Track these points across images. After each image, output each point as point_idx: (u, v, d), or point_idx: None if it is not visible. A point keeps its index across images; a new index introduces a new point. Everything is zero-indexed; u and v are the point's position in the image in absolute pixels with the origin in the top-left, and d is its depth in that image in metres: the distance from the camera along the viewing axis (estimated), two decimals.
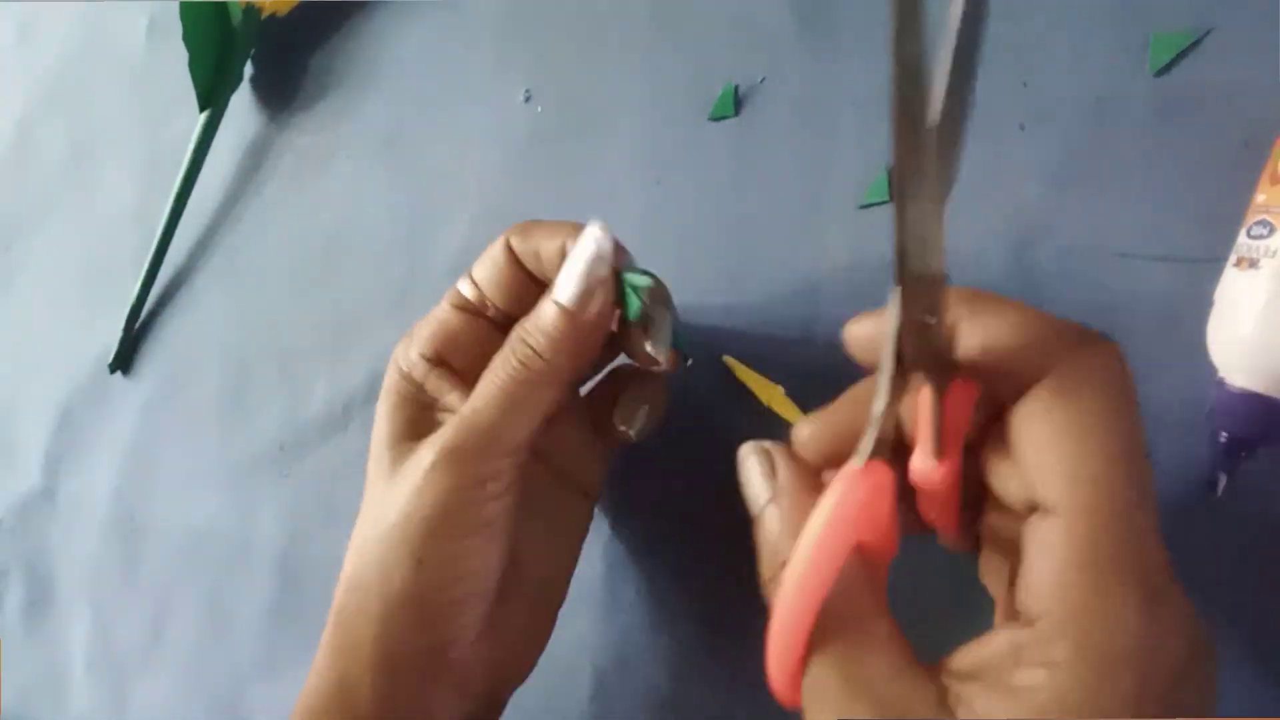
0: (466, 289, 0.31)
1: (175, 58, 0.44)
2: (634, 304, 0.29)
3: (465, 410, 0.28)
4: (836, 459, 0.23)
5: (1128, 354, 0.30)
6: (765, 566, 0.24)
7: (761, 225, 0.35)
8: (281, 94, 0.46)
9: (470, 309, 0.31)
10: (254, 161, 0.46)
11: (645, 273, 0.29)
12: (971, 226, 0.32)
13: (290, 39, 0.46)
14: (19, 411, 0.52)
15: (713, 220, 0.36)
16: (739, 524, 0.34)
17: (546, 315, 0.28)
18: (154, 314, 0.48)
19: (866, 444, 0.21)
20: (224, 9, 0.44)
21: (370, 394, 0.42)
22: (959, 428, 0.22)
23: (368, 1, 0.44)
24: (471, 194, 0.40)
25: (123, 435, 0.48)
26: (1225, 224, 0.28)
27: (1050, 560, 0.19)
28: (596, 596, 0.36)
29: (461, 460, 0.27)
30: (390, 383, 0.31)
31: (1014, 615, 0.20)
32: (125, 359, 0.49)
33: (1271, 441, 0.26)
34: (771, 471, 0.25)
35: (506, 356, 0.28)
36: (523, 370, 0.28)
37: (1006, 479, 0.22)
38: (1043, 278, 0.31)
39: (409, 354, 0.31)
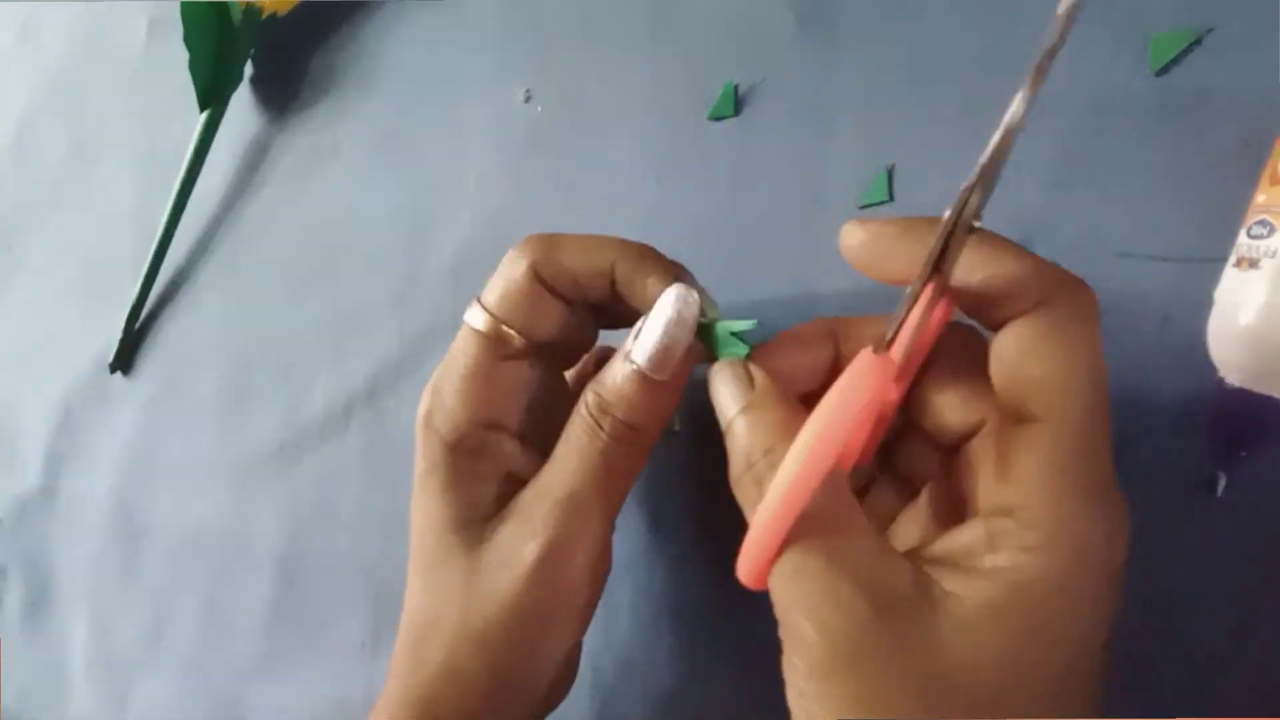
0: (480, 321, 0.28)
1: (175, 58, 0.44)
2: (733, 349, 0.27)
3: (560, 493, 0.26)
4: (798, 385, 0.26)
5: (1128, 354, 0.30)
6: (735, 465, 0.24)
7: (761, 225, 0.35)
8: (281, 94, 0.46)
9: (496, 351, 0.28)
10: (254, 161, 0.46)
11: (716, 315, 0.27)
12: None
13: (290, 39, 0.46)
14: (19, 411, 0.52)
15: (713, 220, 0.36)
16: (739, 523, 0.34)
17: (626, 382, 0.26)
18: (154, 314, 0.48)
19: (889, 332, 0.22)
20: (224, 9, 0.44)
21: (370, 394, 0.42)
22: (923, 348, 0.24)
23: (368, 1, 0.44)
24: (471, 194, 0.40)
25: (123, 435, 0.48)
26: (1225, 224, 0.28)
27: (1034, 460, 0.21)
28: None
29: (571, 549, 0.26)
30: (434, 457, 0.28)
31: (938, 525, 0.23)
32: (125, 359, 0.49)
33: (1271, 441, 0.26)
34: (747, 382, 0.25)
35: (593, 429, 0.26)
36: (614, 444, 0.26)
37: (946, 409, 0.24)
38: None
39: (450, 419, 0.28)
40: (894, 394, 0.24)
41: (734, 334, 0.27)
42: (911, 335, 0.22)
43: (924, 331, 0.23)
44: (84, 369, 0.50)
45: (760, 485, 0.23)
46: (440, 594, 0.27)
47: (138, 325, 0.48)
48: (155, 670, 0.46)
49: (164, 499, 0.47)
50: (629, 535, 0.36)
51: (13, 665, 0.50)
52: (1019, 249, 0.23)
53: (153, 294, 0.48)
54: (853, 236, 0.24)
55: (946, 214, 0.21)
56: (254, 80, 0.47)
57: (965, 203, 0.21)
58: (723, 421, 0.25)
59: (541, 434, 0.29)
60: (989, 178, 0.21)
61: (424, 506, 0.28)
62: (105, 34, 0.52)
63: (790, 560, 0.22)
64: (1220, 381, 0.27)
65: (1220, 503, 0.28)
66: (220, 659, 0.44)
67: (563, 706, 0.36)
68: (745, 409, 0.24)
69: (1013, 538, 0.21)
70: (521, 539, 0.26)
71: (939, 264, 0.21)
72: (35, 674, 0.49)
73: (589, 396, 0.26)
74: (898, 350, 0.22)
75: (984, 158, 0.20)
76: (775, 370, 0.25)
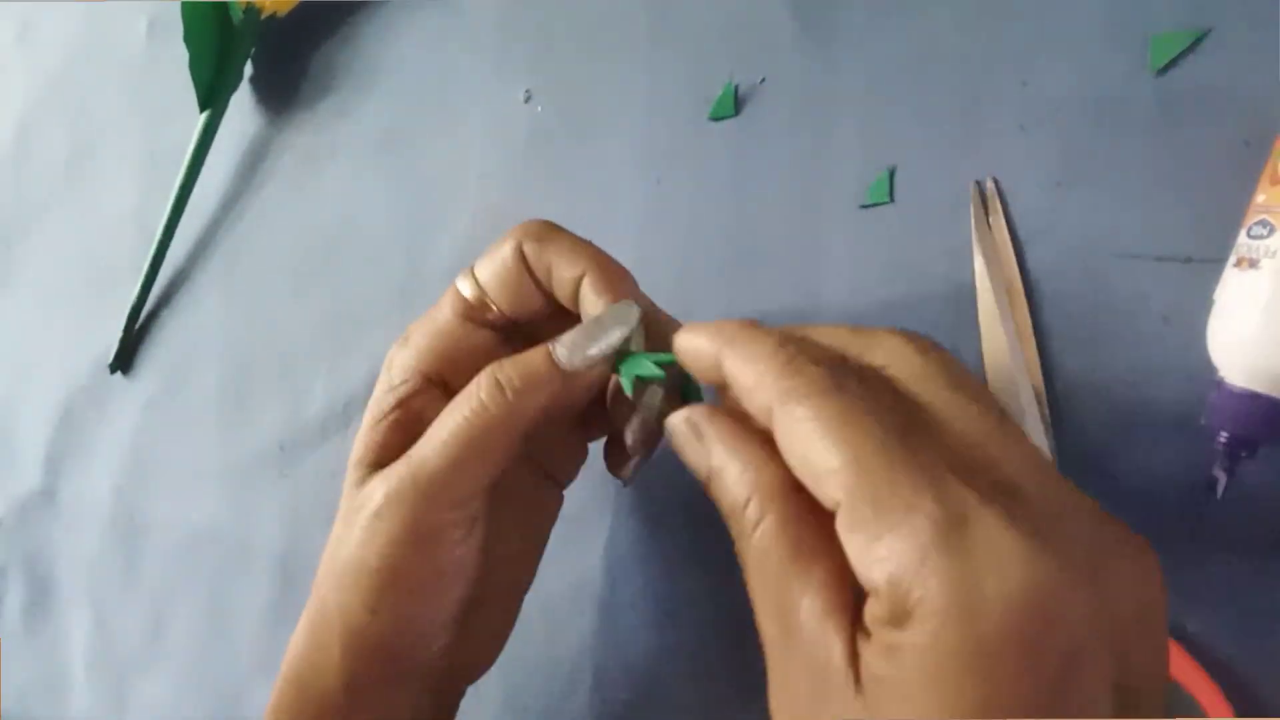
0: (468, 289, 0.29)
1: (175, 58, 0.44)
2: (644, 368, 0.26)
3: (415, 455, 0.26)
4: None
5: (1128, 354, 0.30)
6: (732, 524, 0.23)
7: (761, 225, 0.35)
8: (281, 94, 0.46)
9: (473, 315, 0.29)
10: (254, 161, 0.46)
11: (659, 360, 0.26)
12: (971, 226, 0.32)
13: (290, 39, 0.46)
14: (19, 411, 0.52)
15: (713, 220, 0.36)
16: None
17: (534, 365, 0.26)
18: (154, 314, 0.48)
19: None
20: (224, 9, 0.44)
21: (370, 394, 0.42)
22: None
23: (368, 1, 0.44)
24: (471, 194, 0.40)
25: (123, 435, 0.48)
26: (1225, 224, 0.28)
27: (853, 554, 0.19)
28: (596, 596, 0.36)
29: (407, 511, 0.26)
30: (377, 393, 0.29)
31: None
32: (125, 359, 0.49)
33: (1271, 441, 0.26)
34: (698, 435, 0.23)
35: (470, 394, 0.26)
36: (482, 414, 0.26)
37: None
38: (1043, 278, 0.31)
39: (405, 364, 0.29)
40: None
41: (642, 378, 0.26)
42: None
43: None
44: (84, 369, 0.50)
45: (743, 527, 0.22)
46: (335, 526, 0.28)
47: (138, 325, 0.48)
48: (155, 670, 0.46)
49: (164, 499, 0.47)
50: (629, 536, 0.36)
51: (13, 665, 0.50)
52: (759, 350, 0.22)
53: (153, 294, 0.48)
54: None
55: None
56: (254, 80, 0.47)
57: None
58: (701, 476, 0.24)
59: None
60: None
61: (356, 437, 0.29)
62: (105, 34, 0.52)
63: (761, 625, 0.22)
64: (1220, 381, 0.27)
65: (1220, 503, 0.28)
66: (220, 659, 0.44)
67: (563, 706, 0.36)
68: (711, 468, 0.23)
69: (878, 618, 0.19)
70: (373, 493, 0.26)
71: None
72: (35, 674, 0.49)
73: (486, 371, 0.26)
74: None
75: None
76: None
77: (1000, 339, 0.30)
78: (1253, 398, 0.26)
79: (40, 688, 0.49)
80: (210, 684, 0.44)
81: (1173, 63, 0.30)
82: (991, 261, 0.31)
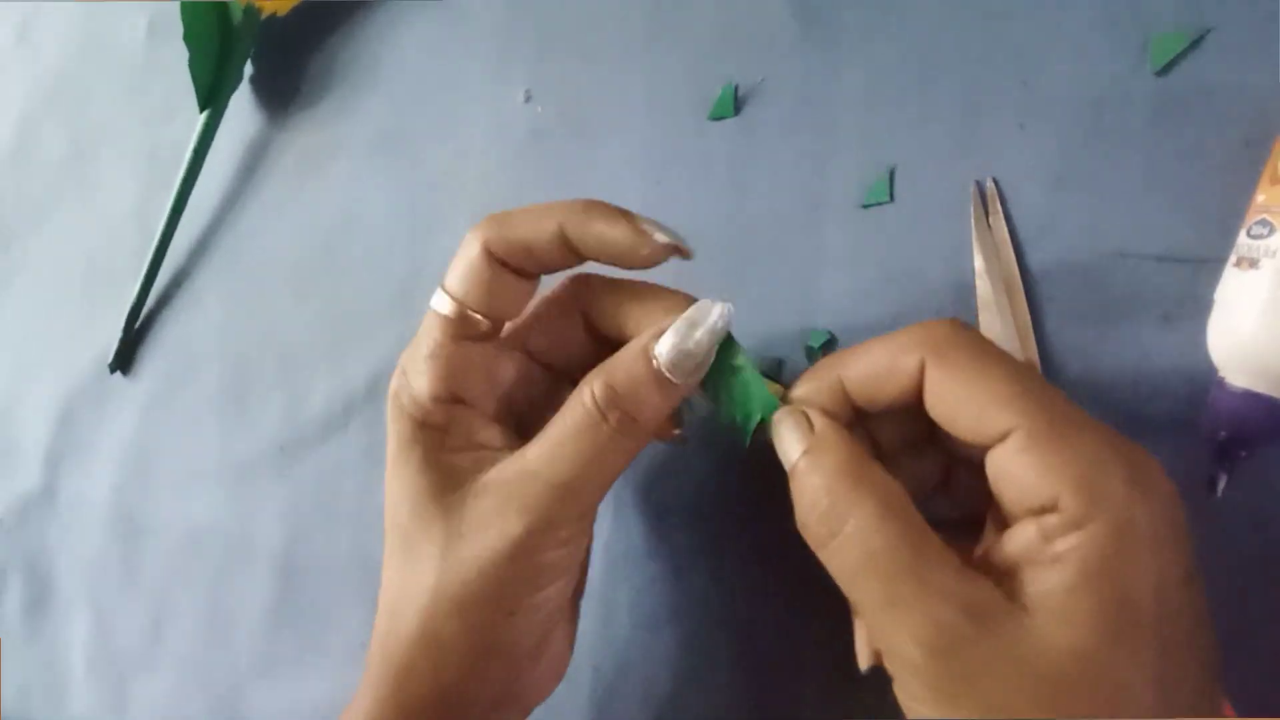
0: (445, 307, 0.28)
1: (175, 58, 0.44)
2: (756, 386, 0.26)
3: (551, 475, 0.26)
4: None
5: (1128, 354, 0.30)
6: (800, 508, 0.25)
7: (761, 225, 0.35)
8: (281, 94, 0.46)
9: (461, 334, 0.28)
10: (254, 161, 0.46)
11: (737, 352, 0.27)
12: (972, 226, 0.32)
13: (290, 39, 0.46)
14: (19, 411, 0.52)
15: (713, 220, 0.36)
16: (739, 524, 0.34)
17: (644, 378, 0.26)
18: (154, 314, 0.48)
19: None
20: (224, 9, 0.44)
21: (370, 394, 0.42)
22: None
23: (368, 1, 0.44)
24: (471, 194, 0.40)
25: (123, 435, 0.48)
26: (1225, 224, 0.28)
27: (1030, 471, 0.22)
28: (596, 596, 0.36)
29: (556, 530, 0.26)
30: (406, 434, 0.28)
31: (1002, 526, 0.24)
32: (125, 359, 0.49)
33: (1271, 441, 0.26)
34: (807, 427, 0.25)
35: (597, 420, 0.26)
36: (616, 438, 0.26)
37: (969, 424, 0.24)
38: (1043, 278, 0.31)
39: (417, 398, 0.28)
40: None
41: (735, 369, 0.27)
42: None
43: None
44: (84, 369, 0.50)
45: (827, 526, 0.24)
46: (416, 563, 0.27)
47: (138, 325, 0.48)
48: (155, 670, 0.46)
49: (164, 499, 0.47)
50: (630, 535, 0.36)
51: (13, 665, 0.50)
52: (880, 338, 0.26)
53: (153, 294, 0.48)
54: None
55: None
56: (254, 80, 0.47)
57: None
58: (787, 465, 0.25)
59: (514, 412, 0.30)
60: None
61: (399, 480, 0.28)
62: (105, 34, 0.52)
63: (884, 593, 0.22)
64: (1220, 381, 0.27)
65: (1220, 503, 0.28)
66: (220, 659, 0.44)
67: (563, 706, 0.36)
68: (807, 452, 0.25)
69: (1063, 524, 0.21)
70: (505, 514, 0.26)
71: None
72: (35, 674, 0.49)
73: (596, 386, 0.26)
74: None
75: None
76: (856, 379, 0.26)
77: (1000, 338, 0.30)
78: (1253, 398, 0.26)
79: (40, 688, 0.49)
80: (210, 684, 0.44)
81: (1173, 63, 0.30)
82: (991, 261, 0.31)
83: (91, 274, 0.51)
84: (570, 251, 0.27)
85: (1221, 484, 0.27)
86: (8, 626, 0.51)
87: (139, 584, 0.47)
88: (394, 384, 0.29)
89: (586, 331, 0.30)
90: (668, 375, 0.26)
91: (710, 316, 0.26)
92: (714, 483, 0.35)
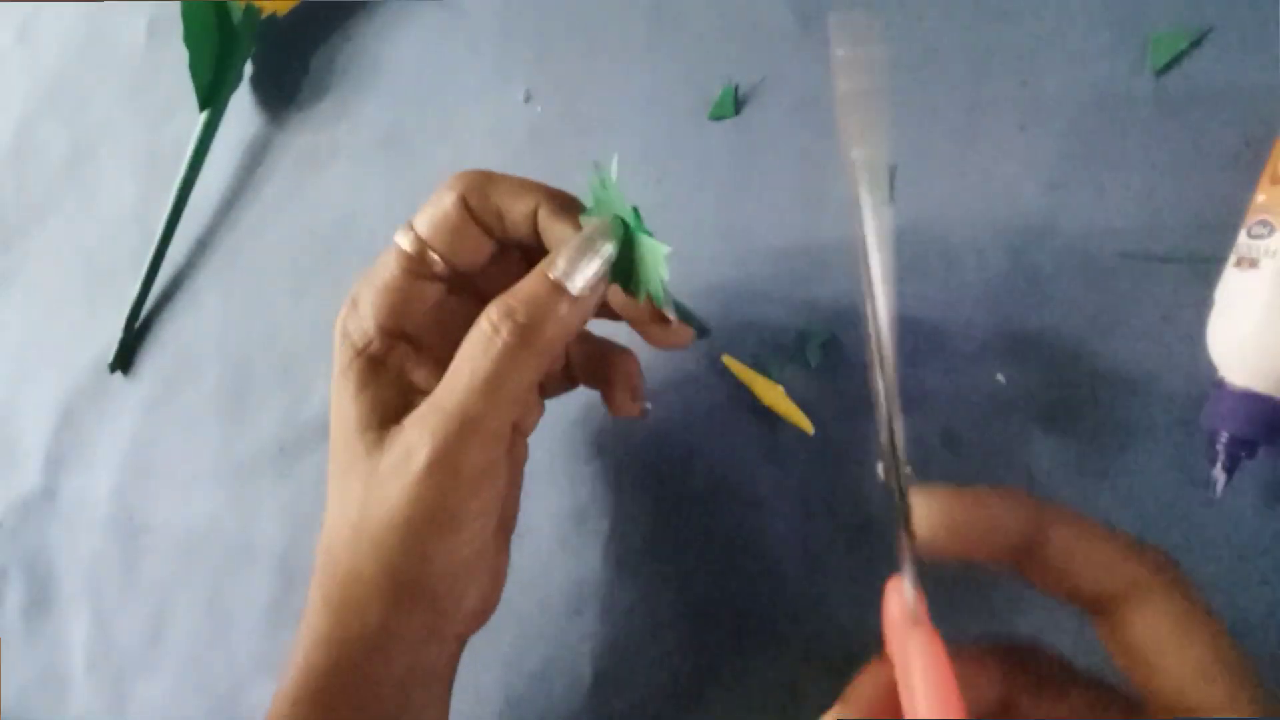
0: (407, 243, 0.29)
1: (175, 58, 0.44)
2: (654, 281, 0.27)
3: (449, 403, 0.26)
4: None
5: (1128, 354, 0.30)
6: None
7: (761, 225, 0.35)
8: (281, 94, 0.46)
9: (417, 270, 0.29)
10: (254, 161, 0.46)
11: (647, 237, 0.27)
12: (971, 226, 0.32)
13: (290, 39, 0.46)
14: (19, 411, 0.52)
15: (713, 220, 0.36)
16: (739, 525, 0.34)
17: (540, 294, 0.26)
18: (154, 314, 0.48)
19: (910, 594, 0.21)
20: (224, 9, 0.44)
21: None
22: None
23: (368, 1, 0.44)
24: None
25: (123, 435, 0.48)
26: (1225, 224, 0.28)
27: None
28: (597, 598, 0.36)
29: (457, 459, 0.26)
30: (345, 359, 0.29)
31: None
32: (125, 359, 0.49)
33: (1271, 441, 0.26)
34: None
35: (490, 336, 0.26)
36: (510, 351, 0.26)
37: (1085, 574, 0.21)
38: (1043, 278, 0.31)
39: (362, 325, 0.29)
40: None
41: (652, 257, 0.26)
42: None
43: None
44: (84, 369, 0.50)
45: None
46: (345, 497, 0.28)
47: (138, 325, 0.48)
48: (155, 670, 0.46)
49: (164, 499, 0.47)
50: (629, 537, 0.36)
51: (13, 665, 0.50)
52: (1106, 531, 0.21)
53: (153, 294, 0.48)
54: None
55: (880, 468, 0.22)
56: (254, 80, 0.47)
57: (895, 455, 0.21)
58: None
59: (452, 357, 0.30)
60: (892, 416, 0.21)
61: (336, 409, 0.29)
62: (105, 34, 0.52)
63: None
64: (1220, 381, 0.27)
65: (1220, 503, 0.28)
66: (220, 659, 0.44)
67: (563, 706, 0.36)
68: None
69: None
70: (412, 448, 0.26)
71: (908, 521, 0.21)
72: (35, 674, 0.49)
73: (492, 307, 0.27)
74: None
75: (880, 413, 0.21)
76: (959, 523, 0.21)
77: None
78: (1253, 398, 0.26)
79: (40, 688, 0.49)
80: (210, 684, 0.44)
81: (1173, 63, 0.30)
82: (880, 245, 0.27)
83: (91, 274, 0.51)
84: (535, 234, 0.28)
85: (1221, 484, 0.27)
86: (8, 626, 0.51)
87: (139, 584, 0.47)
88: (342, 312, 0.30)
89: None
90: (564, 284, 0.26)
91: (603, 251, 0.26)
92: (713, 483, 0.35)
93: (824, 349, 0.33)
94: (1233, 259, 0.27)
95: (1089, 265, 0.30)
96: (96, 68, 0.52)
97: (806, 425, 0.33)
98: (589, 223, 0.27)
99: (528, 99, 0.40)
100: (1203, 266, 0.28)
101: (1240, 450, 0.26)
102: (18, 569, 0.51)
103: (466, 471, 0.27)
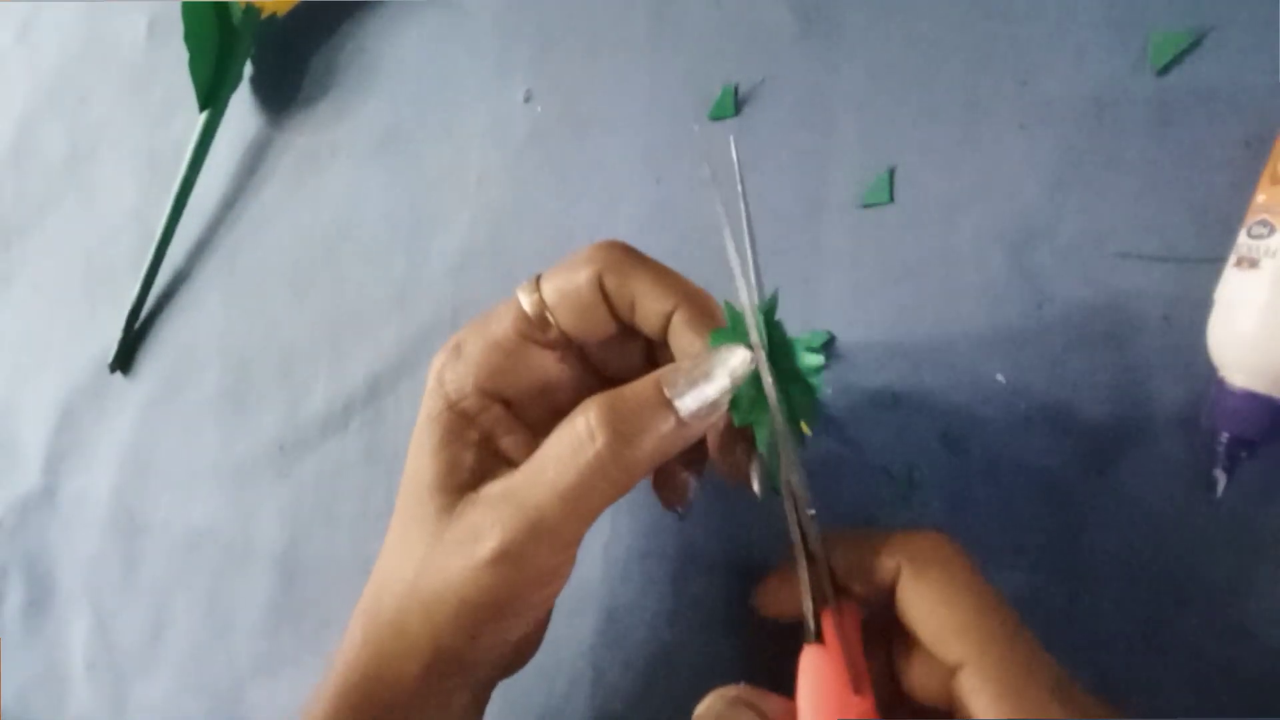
0: (529, 304, 0.27)
1: (175, 58, 0.44)
2: (761, 435, 0.25)
3: (527, 500, 0.25)
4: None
5: (1128, 354, 0.30)
6: None
7: (761, 225, 0.35)
8: (281, 94, 0.46)
9: (530, 334, 0.27)
10: (254, 161, 0.46)
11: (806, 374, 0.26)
12: (971, 226, 0.32)
13: (290, 39, 0.46)
14: (19, 411, 0.52)
15: (712, 220, 0.36)
16: (738, 526, 0.34)
17: (648, 406, 0.24)
18: (154, 314, 0.48)
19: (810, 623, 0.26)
20: (224, 9, 0.44)
21: (370, 394, 0.42)
22: (858, 646, 0.26)
23: (368, 1, 0.44)
24: (471, 194, 0.40)
25: (123, 435, 0.48)
26: (1225, 224, 0.28)
27: (985, 699, 0.23)
28: (596, 597, 0.36)
29: (522, 557, 0.25)
30: (435, 408, 0.27)
31: None
32: (125, 359, 0.49)
33: (1271, 441, 0.26)
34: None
35: (583, 441, 0.24)
36: (600, 464, 0.24)
37: (923, 663, 0.25)
38: (1043, 278, 0.31)
39: (460, 379, 0.27)
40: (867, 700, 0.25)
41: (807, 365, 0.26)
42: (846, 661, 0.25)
43: (850, 642, 0.25)
44: (84, 369, 0.50)
45: None
46: (404, 552, 0.27)
47: (138, 325, 0.48)
48: (155, 670, 0.46)
49: (164, 499, 0.47)
50: (629, 536, 0.36)
51: (13, 665, 0.50)
52: (873, 532, 0.26)
53: (153, 294, 0.48)
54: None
55: (795, 541, 0.26)
56: (254, 80, 0.47)
57: (804, 534, 0.26)
58: None
59: (550, 429, 0.28)
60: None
61: (414, 459, 0.28)
62: (105, 34, 0.52)
63: None
64: (1220, 381, 0.27)
65: (1220, 503, 0.28)
66: (220, 659, 0.44)
67: (563, 706, 0.36)
68: None
69: None
70: (480, 532, 0.25)
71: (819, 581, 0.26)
72: (35, 674, 0.49)
73: (592, 406, 0.25)
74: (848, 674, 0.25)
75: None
76: (842, 568, 0.27)
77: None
78: (1253, 398, 0.26)
79: (40, 688, 0.49)
80: (210, 684, 0.44)
81: (1173, 63, 0.30)
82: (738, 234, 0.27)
83: (91, 274, 0.51)
84: (665, 332, 0.27)
85: (1221, 484, 0.27)
86: (8, 626, 0.51)
87: (139, 584, 0.47)
88: (442, 357, 0.28)
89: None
90: (679, 413, 0.24)
91: (723, 382, 0.25)
92: (713, 483, 0.35)
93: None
94: (1233, 259, 0.27)
95: (1089, 265, 0.30)
96: (96, 68, 0.52)
97: (805, 425, 0.33)
98: (731, 350, 0.25)
99: (528, 99, 0.40)
100: (1203, 266, 0.28)
101: (1240, 450, 0.26)
102: (18, 569, 0.51)
103: (530, 572, 0.25)
